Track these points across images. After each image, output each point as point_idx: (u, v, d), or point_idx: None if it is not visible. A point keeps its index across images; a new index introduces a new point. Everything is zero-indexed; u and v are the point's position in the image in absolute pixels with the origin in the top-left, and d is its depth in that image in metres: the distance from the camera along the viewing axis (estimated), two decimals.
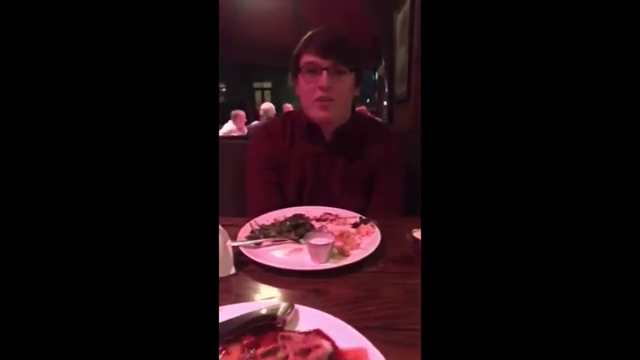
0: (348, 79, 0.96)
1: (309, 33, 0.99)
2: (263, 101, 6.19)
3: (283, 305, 0.44)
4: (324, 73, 0.91)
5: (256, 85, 8.44)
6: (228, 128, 4.41)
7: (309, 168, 1.02)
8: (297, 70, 0.98)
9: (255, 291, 0.57)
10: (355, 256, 0.63)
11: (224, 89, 7.95)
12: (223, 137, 3.87)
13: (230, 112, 4.59)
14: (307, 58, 0.94)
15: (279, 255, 0.66)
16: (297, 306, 0.45)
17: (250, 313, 0.42)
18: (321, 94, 0.93)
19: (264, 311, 0.42)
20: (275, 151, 1.03)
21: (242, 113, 4.54)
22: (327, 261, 0.62)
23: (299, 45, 0.98)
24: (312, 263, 0.62)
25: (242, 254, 0.65)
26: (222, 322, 0.40)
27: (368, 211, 0.98)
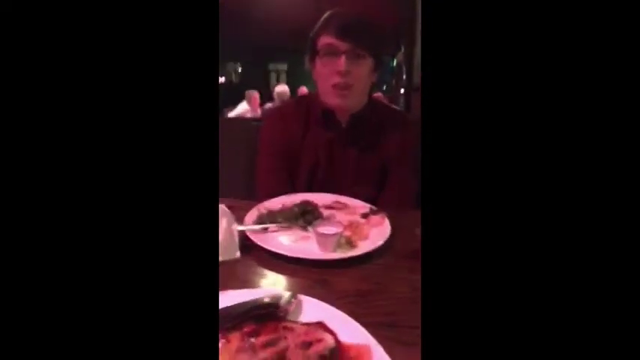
0: (367, 63, 0.92)
1: (328, 13, 0.94)
2: (278, 83, 6.11)
3: (286, 294, 0.43)
4: (343, 56, 0.87)
5: (271, 66, 8.35)
6: (242, 109, 4.38)
7: (321, 155, 0.99)
8: (314, 53, 0.94)
9: (260, 277, 0.56)
10: (363, 247, 0.62)
11: (239, 70, 7.89)
12: (236, 118, 3.86)
13: (244, 92, 4.56)
14: (325, 40, 0.90)
15: (286, 241, 0.65)
16: (300, 296, 0.44)
17: (253, 301, 0.41)
18: (339, 79, 0.89)
19: (267, 299, 0.42)
20: (288, 136, 1.01)
21: (256, 94, 4.50)
22: (334, 250, 0.61)
23: (317, 25, 0.94)
24: (319, 252, 0.61)
25: (248, 239, 0.64)
26: (224, 309, 0.40)
27: (379, 202, 0.96)
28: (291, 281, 0.55)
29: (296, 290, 0.45)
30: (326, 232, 0.61)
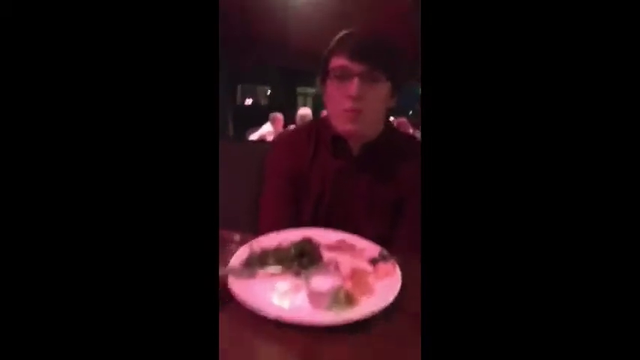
0: (383, 88, 0.82)
1: (342, 33, 0.86)
2: (304, 106, 6.18)
3: None
4: (356, 79, 0.78)
5: (300, 90, 8.50)
6: (264, 131, 4.41)
7: (329, 184, 0.89)
8: (325, 74, 0.86)
9: (237, 346, 0.45)
10: (366, 306, 0.50)
11: (268, 92, 8.08)
12: (256, 141, 3.87)
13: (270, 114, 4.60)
14: (338, 62, 0.81)
15: (275, 292, 0.55)
16: None
17: None
18: (351, 104, 0.79)
19: None
20: (297, 162, 0.92)
21: (280, 116, 4.53)
22: (329, 308, 0.49)
23: (330, 45, 0.86)
24: (310, 309, 0.49)
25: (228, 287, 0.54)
26: None
27: (393, 242, 0.84)
28: (272, 353, 0.44)
29: None
30: (319, 287, 0.50)
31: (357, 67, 0.78)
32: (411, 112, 6.03)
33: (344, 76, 0.80)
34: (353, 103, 0.79)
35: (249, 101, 8.06)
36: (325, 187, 0.89)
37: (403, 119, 4.33)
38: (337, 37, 0.87)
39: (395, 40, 0.91)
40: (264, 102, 8.13)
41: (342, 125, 0.84)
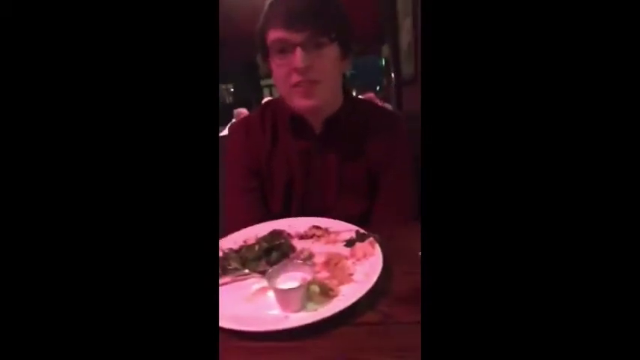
0: (331, 51, 0.72)
1: (269, 1, 0.75)
2: (269, 97, 6.02)
3: None
4: (298, 49, 0.68)
5: (263, 82, 8.28)
6: None
7: (296, 169, 0.81)
8: (265, 51, 0.75)
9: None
10: (345, 297, 0.44)
11: (232, 89, 7.83)
12: (223, 136, 3.74)
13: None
14: (274, 35, 0.71)
15: (239, 297, 0.47)
16: None
17: None
18: (299, 77, 0.70)
19: None
20: (254, 150, 0.84)
21: (244, 111, 4.37)
22: (302, 308, 0.42)
23: (261, 18, 0.75)
24: (281, 313, 0.42)
25: None
26: None
27: (371, 219, 0.77)
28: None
29: None
30: (286, 287, 0.42)
31: (296, 36, 0.69)
32: (378, 88, 5.94)
33: (284, 48, 0.70)
34: (301, 75, 0.70)
35: None
36: (292, 173, 0.81)
37: (371, 94, 4.25)
38: (266, 6, 0.76)
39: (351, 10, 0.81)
40: (228, 100, 7.88)
41: (297, 102, 0.75)
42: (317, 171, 0.81)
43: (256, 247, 0.57)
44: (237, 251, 0.58)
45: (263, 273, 0.50)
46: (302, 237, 0.63)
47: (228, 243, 0.62)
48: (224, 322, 0.40)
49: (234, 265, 0.53)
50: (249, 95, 7.24)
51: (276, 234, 0.63)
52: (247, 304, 0.46)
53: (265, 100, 4.36)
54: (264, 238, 0.61)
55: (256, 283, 0.49)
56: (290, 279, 0.44)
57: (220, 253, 0.58)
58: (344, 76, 0.82)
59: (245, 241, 0.61)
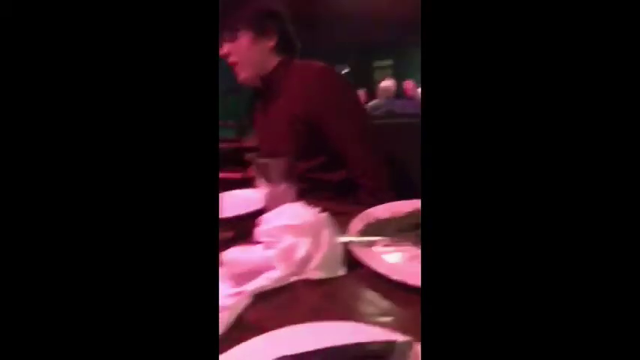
0: (245, 37, 1.00)
1: None
2: (384, 79, 5.97)
3: (400, 343, 0.32)
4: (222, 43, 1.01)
5: (377, 63, 8.21)
6: None
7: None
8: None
9: (367, 304, 0.47)
10: None
11: (347, 70, 8.01)
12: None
13: None
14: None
15: (396, 260, 0.55)
16: (417, 346, 0.33)
17: (355, 347, 0.33)
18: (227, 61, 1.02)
19: (375, 348, 0.32)
20: None
21: (362, 92, 4.47)
22: None
23: None
24: None
25: (352, 253, 0.56)
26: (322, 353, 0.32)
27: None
28: (404, 315, 0.44)
29: (412, 331, 0.35)
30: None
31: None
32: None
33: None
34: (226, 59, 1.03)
35: None
36: None
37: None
38: None
39: None
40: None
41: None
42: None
43: (406, 221, 0.63)
44: (388, 220, 0.66)
45: (413, 243, 0.57)
46: None
47: (377, 212, 0.70)
48: (389, 274, 0.48)
49: (390, 230, 0.61)
50: (362, 76, 7.31)
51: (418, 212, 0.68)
52: (406, 265, 0.53)
53: (405, 88, 4.41)
54: (411, 213, 0.67)
55: (410, 251, 0.57)
56: None
57: (373, 221, 0.67)
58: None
59: (393, 213, 0.69)
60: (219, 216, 0.71)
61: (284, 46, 1.06)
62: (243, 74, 1.04)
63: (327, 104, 0.97)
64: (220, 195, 0.73)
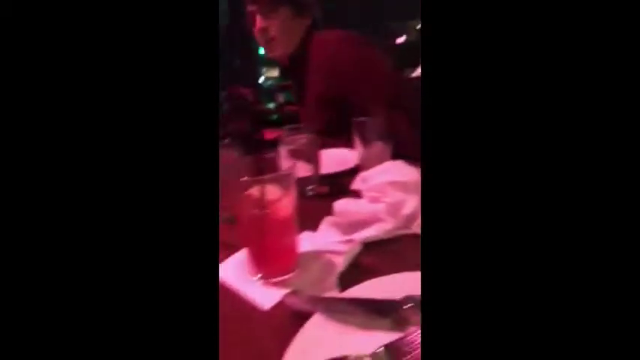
0: (283, 12, 0.99)
1: None
2: None
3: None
4: (257, 16, 1.01)
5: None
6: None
7: None
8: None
9: None
10: None
11: (419, 27, 7.41)
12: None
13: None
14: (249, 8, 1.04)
15: None
16: None
17: None
18: (259, 36, 1.03)
19: None
20: None
21: None
22: None
23: None
24: None
25: None
26: None
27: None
28: None
29: None
30: None
31: (251, 7, 1.02)
32: None
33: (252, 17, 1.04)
34: (261, 35, 1.03)
35: (400, 39, 7.59)
36: None
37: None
38: None
39: None
40: (416, 38, 7.51)
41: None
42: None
43: None
44: None
45: None
46: None
47: None
48: None
49: None
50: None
51: None
52: None
53: None
54: None
55: None
56: None
57: None
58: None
59: None
60: (318, 173, 0.76)
61: (316, 24, 1.04)
62: (279, 50, 1.03)
63: (353, 74, 0.94)
64: (318, 153, 0.77)
